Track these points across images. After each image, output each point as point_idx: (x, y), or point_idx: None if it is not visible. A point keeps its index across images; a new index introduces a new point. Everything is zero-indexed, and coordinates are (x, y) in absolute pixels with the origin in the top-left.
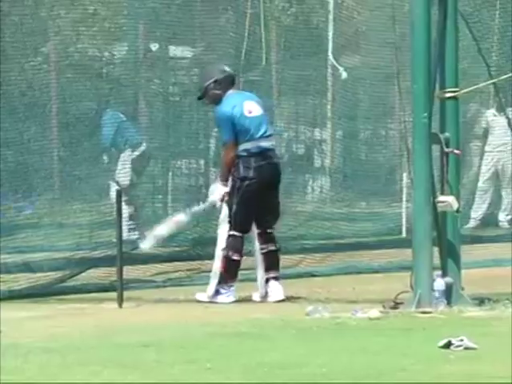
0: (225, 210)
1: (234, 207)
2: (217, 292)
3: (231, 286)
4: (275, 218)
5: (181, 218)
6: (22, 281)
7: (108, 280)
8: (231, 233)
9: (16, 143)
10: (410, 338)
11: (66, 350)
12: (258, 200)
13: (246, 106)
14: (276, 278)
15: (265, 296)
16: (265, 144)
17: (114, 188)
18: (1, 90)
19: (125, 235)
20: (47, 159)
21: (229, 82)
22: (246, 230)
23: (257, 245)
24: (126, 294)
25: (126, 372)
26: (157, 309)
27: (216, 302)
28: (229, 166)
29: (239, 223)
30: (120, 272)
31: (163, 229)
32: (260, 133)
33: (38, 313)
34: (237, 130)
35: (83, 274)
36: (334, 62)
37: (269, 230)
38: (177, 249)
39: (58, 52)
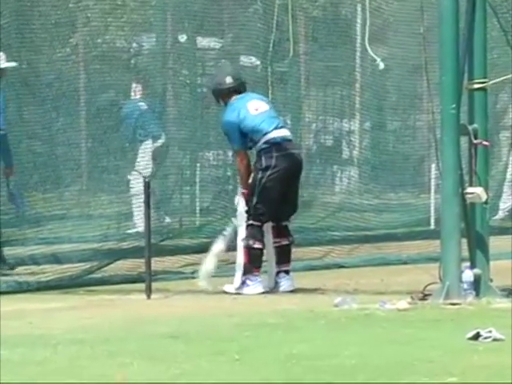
0: (242, 203)
1: (255, 198)
2: (244, 283)
3: (258, 276)
4: (292, 210)
5: (219, 247)
6: (50, 272)
7: (136, 271)
8: (250, 222)
9: (44, 135)
10: (439, 329)
11: (95, 341)
12: (279, 190)
13: (250, 105)
14: (287, 272)
15: (274, 287)
16: (282, 134)
17: (132, 181)
18: (29, 82)
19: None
20: (75, 150)
21: (235, 90)
22: (265, 220)
23: (270, 237)
24: (154, 285)
25: (154, 363)
26: (185, 300)
27: (243, 294)
28: (246, 173)
29: (259, 213)
30: (148, 263)
31: (209, 264)
32: (273, 125)
33: (66, 304)
34: (250, 131)
35: (111, 266)
36: (371, 53)
37: (283, 223)
38: (205, 240)
39: (86, 43)
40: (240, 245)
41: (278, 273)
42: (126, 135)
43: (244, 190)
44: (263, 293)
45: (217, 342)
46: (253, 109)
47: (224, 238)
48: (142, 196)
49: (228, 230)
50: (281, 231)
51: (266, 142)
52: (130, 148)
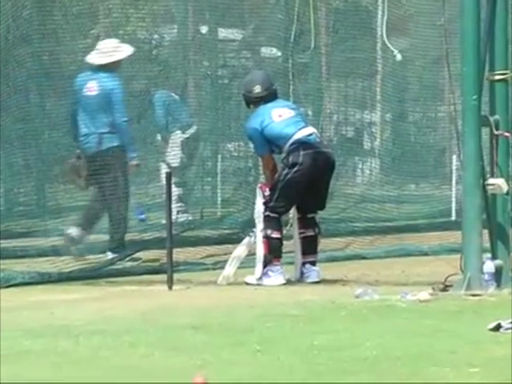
0: (260, 197)
1: (277, 192)
2: (265, 274)
3: (279, 267)
4: (319, 206)
5: (240, 251)
6: (72, 263)
7: (158, 262)
8: (267, 213)
9: (66, 125)
10: (460, 320)
11: (117, 332)
12: (302, 187)
13: (274, 113)
14: (313, 263)
15: (300, 278)
16: (308, 133)
17: (163, 170)
18: (51, 73)
19: (173, 217)
20: None
21: (262, 100)
22: (283, 213)
23: (296, 228)
24: (175, 276)
25: (175, 354)
26: (206, 291)
27: (265, 285)
28: (271, 176)
29: (278, 207)
30: (170, 254)
31: (229, 269)
32: (298, 127)
33: (88, 295)
34: (274, 138)
35: (133, 256)
36: (389, 44)
37: (309, 215)
38: (227, 231)
39: (108, 34)
40: (259, 236)
41: (303, 264)
42: (157, 124)
43: (261, 184)
44: (284, 284)
45: (238, 333)
46: (276, 116)
47: (246, 243)
48: (173, 187)
49: (251, 235)
50: (306, 222)
51: (292, 143)
52: (159, 137)
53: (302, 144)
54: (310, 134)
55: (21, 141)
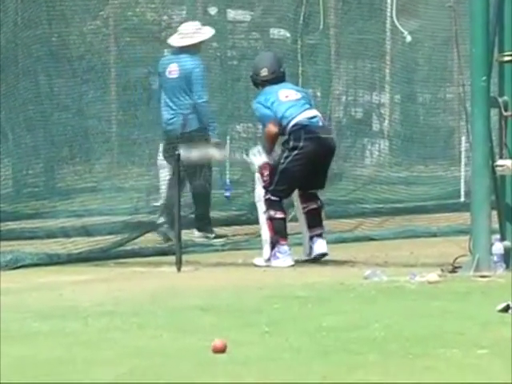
0: (260, 181)
1: (278, 175)
2: (273, 256)
3: (286, 248)
4: (319, 185)
5: (221, 154)
6: (81, 244)
7: (166, 244)
8: (267, 197)
9: (74, 107)
10: (469, 301)
11: (125, 313)
12: (302, 171)
13: (280, 93)
14: (320, 235)
15: (309, 254)
16: (310, 115)
17: (160, 153)
18: (59, 55)
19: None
20: (105, 123)
21: (269, 83)
22: (283, 197)
23: (298, 205)
24: (184, 257)
25: (184, 336)
26: (215, 273)
27: (273, 267)
28: (271, 140)
29: (279, 190)
30: (178, 236)
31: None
32: (302, 109)
33: (96, 276)
34: (279, 117)
35: (141, 238)
36: (398, 26)
37: (310, 191)
38: (235, 213)
39: (117, 16)
40: (262, 219)
41: (311, 238)
42: (155, 107)
43: (265, 154)
44: (293, 265)
45: (246, 314)
46: (283, 96)
47: (231, 156)
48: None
49: (237, 156)
50: (308, 196)
51: (294, 125)
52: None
53: (304, 127)
54: (313, 117)
55: (29, 123)
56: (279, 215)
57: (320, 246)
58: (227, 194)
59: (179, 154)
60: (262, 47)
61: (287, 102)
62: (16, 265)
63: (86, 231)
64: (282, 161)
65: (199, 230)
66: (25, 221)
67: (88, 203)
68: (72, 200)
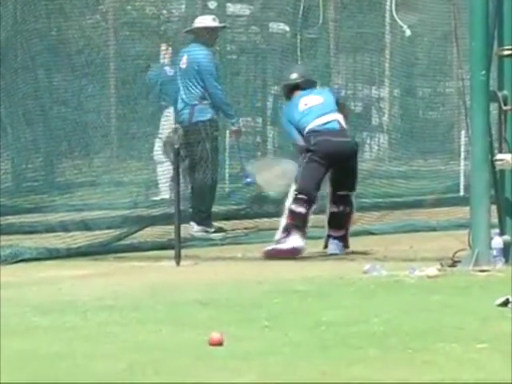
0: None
1: (299, 176)
2: (285, 237)
3: (297, 237)
4: (347, 187)
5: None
6: (80, 239)
7: (165, 238)
8: (295, 193)
9: (73, 101)
10: (468, 296)
11: (125, 307)
12: (319, 171)
13: (301, 102)
14: (333, 237)
15: (325, 247)
16: (324, 121)
17: (156, 148)
18: (59, 48)
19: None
20: (104, 117)
21: (298, 87)
22: (304, 191)
23: (328, 202)
24: (183, 251)
25: (183, 330)
26: (214, 267)
27: (282, 246)
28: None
29: (299, 185)
30: (178, 230)
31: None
32: (315, 115)
33: (96, 271)
34: (296, 125)
35: (141, 232)
36: (398, 20)
37: (339, 192)
38: (234, 207)
39: (116, 10)
40: (284, 208)
41: (328, 236)
42: (153, 101)
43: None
44: (300, 250)
45: (246, 309)
46: (302, 104)
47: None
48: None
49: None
50: (334, 199)
51: (307, 132)
52: (156, 114)
53: (314, 132)
54: (327, 122)
55: (29, 117)
56: (300, 209)
57: (333, 247)
58: (248, 180)
59: (178, 149)
60: (262, 41)
61: (303, 111)
62: (15, 259)
63: (86, 225)
64: (300, 164)
65: (198, 223)
66: (24, 215)
67: (87, 197)
68: (71, 194)
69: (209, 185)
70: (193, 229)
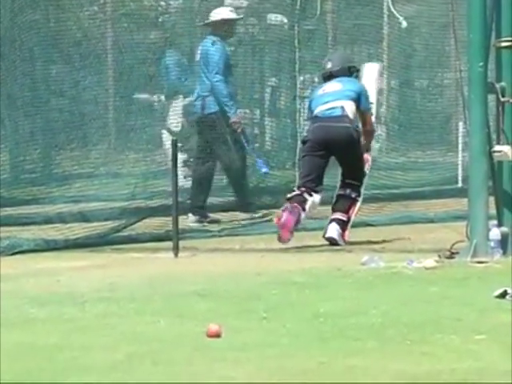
0: None
1: (300, 169)
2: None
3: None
4: (349, 175)
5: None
6: (78, 230)
7: (163, 229)
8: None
9: (71, 93)
10: (466, 287)
11: (123, 299)
12: (313, 160)
13: (321, 89)
14: (335, 220)
15: (324, 234)
16: (324, 108)
17: (165, 136)
18: (57, 40)
19: (180, 183)
20: (102, 109)
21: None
22: (308, 186)
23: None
24: (181, 243)
25: (181, 321)
26: (212, 258)
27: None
28: None
29: (301, 182)
30: (176, 221)
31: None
32: (322, 102)
33: (94, 262)
34: (311, 112)
35: (139, 224)
36: (394, 11)
37: (347, 180)
38: (232, 198)
39: (114, 1)
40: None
41: (330, 220)
42: (168, 89)
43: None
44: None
45: (244, 300)
46: (321, 90)
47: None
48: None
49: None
50: (343, 184)
51: (312, 118)
52: (161, 105)
53: (312, 119)
54: (329, 109)
55: (27, 109)
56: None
57: (331, 230)
58: (265, 169)
59: (176, 140)
60: (259, 33)
61: (317, 96)
62: (13, 251)
63: (83, 217)
64: (300, 156)
65: (194, 214)
66: (22, 207)
67: (85, 189)
68: (69, 186)
69: (208, 176)
70: (188, 219)
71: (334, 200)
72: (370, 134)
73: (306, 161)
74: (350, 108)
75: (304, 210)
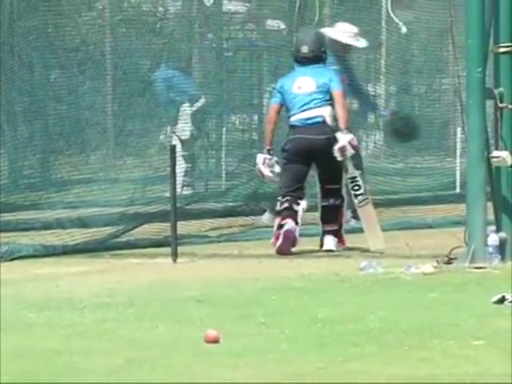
0: None
1: (280, 178)
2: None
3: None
4: (330, 181)
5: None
6: (77, 236)
7: (162, 235)
8: (278, 198)
9: (70, 98)
10: (464, 293)
11: (121, 305)
12: (293, 170)
13: (296, 82)
14: (327, 232)
15: (320, 246)
16: (304, 117)
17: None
18: (55, 45)
19: (179, 191)
20: (101, 114)
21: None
22: (284, 194)
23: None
24: (179, 249)
25: (179, 327)
26: (210, 264)
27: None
28: (266, 124)
29: (280, 188)
30: (174, 227)
31: None
32: (300, 108)
33: (92, 268)
34: (286, 107)
35: (137, 229)
36: (393, 17)
37: (326, 186)
38: (230, 204)
39: (112, 7)
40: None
41: (323, 232)
42: (158, 100)
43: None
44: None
45: (243, 306)
46: (296, 86)
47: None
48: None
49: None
50: (324, 192)
51: (291, 123)
52: (158, 112)
53: (292, 128)
54: (309, 118)
55: (25, 114)
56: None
57: (327, 242)
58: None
59: (174, 146)
60: (258, 38)
61: (296, 95)
62: (12, 256)
63: (82, 223)
64: (281, 163)
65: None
66: (20, 212)
67: (84, 194)
68: (68, 191)
69: None
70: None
71: (319, 211)
72: (344, 111)
73: (289, 169)
74: (328, 114)
75: (297, 223)
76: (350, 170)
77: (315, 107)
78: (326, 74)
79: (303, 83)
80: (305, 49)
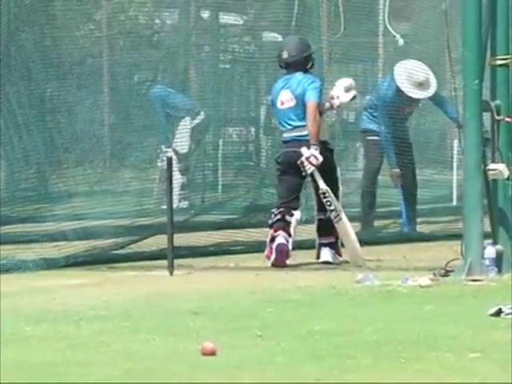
0: None
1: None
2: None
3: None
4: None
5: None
6: (73, 248)
7: (158, 247)
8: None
9: (67, 111)
10: (461, 305)
11: (118, 317)
12: (287, 182)
13: (280, 96)
14: (323, 245)
15: (317, 258)
16: (292, 135)
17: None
18: (53, 58)
19: (175, 205)
20: (98, 127)
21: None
22: (279, 205)
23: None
24: (176, 261)
25: (176, 339)
26: (207, 276)
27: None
28: None
29: (279, 203)
30: (171, 239)
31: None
32: (288, 127)
33: (89, 280)
34: (277, 118)
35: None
36: (390, 29)
37: (323, 199)
38: (227, 216)
39: (110, 20)
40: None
41: (319, 244)
42: (159, 116)
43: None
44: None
45: (239, 318)
46: (280, 102)
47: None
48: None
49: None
50: (320, 206)
51: (283, 140)
52: (155, 125)
53: (285, 143)
54: (298, 136)
55: (23, 126)
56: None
57: (324, 254)
58: None
59: (170, 159)
60: (255, 51)
61: (280, 110)
62: (8, 268)
63: (79, 235)
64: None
65: None
66: (18, 225)
67: (81, 207)
68: (65, 204)
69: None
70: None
71: (316, 223)
72: (313, 124)
73: (283, 180)
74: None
75: (290, 235)
76: (320, 186)
77: (299, 126)
78: (302, 84)
79: (284, 98)
80: (285, 54)
